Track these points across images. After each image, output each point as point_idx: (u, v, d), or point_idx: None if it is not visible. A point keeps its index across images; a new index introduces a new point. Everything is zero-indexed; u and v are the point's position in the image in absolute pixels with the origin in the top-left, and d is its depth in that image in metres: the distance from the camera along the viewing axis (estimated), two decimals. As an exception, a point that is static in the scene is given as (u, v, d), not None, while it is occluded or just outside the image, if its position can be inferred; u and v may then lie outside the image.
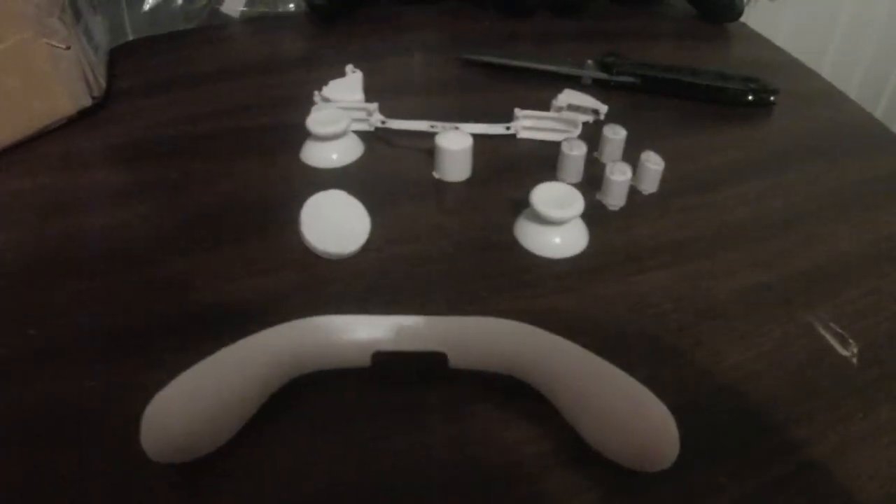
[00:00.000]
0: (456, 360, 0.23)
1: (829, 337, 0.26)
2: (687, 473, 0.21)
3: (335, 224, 0.29)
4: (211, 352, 0.22)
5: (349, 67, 0.40)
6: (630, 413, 0.21)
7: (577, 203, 0.29)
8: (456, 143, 0.33)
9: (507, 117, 0.37)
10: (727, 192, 0.34)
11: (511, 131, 0.36)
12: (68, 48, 0.36)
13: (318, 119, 0.34)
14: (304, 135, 0.34)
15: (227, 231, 0.30)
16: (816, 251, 0.31)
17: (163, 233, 0.30)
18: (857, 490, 0.21)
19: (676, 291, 0.28)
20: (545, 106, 0.38)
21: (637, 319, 0.27)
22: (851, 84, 0.86)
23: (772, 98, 0.41)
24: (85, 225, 0.31)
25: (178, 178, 0.33)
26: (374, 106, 0.36)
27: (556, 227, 0.29)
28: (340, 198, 0.30)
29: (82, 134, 0.37)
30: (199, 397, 0.21)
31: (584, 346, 0.23)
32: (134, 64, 0.43)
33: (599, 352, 0.23)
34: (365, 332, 0.23)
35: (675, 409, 0.21)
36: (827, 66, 0.82)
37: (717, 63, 0.45)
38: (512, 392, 0.23)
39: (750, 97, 0.41)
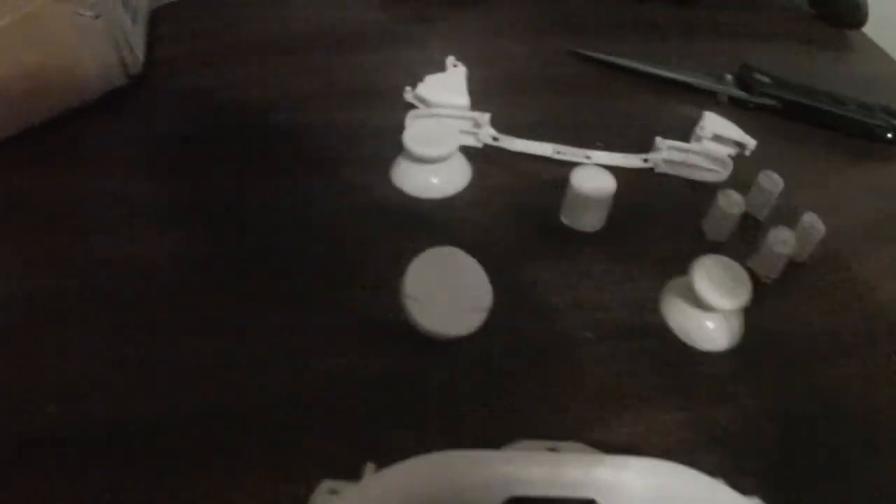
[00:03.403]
0: None
1: None
2: None
3: (450, 294, 0.23)
4: (263, 472, 0.17)
5: (450, 60, 0.32)
6: None
7: (745, 289, 0.23)
8: (595, 187, 0.26)
9: (636, 137, 0.31)
10: (879, 261, 0.28)
11: (649, 164, 0.30)
12: (97, 17, 0.28)
13: (418, 135, 0.27)
14: (394, 144, 0.27)
15: (292, 283, 0.23)
16: None
17: (200, 277, 0.23)
18: None
19: (836, 406, 0.23)
20: (677, 123, 0.32)
21: (796, 446, 0.21)
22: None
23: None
24: (103, 251, 0.24)
25: (228, 193, 0.26)
26: (484, 117, 0.29)
27: (715, 313, 0.24)
28: (455, 258, 0.23)
29: (118, 120, 0.30)
30: None
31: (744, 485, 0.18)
32: (178, 29, 0.35)
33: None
34: (496, 471, 0.18)
35: None
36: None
37: (838, 76, 0.39)
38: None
39: (890, 135, 0.35)
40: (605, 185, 0.26)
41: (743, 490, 0.17)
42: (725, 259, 0.24)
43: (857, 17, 0.46)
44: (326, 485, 0.17)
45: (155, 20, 0.35)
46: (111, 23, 0.29)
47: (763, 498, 0.18)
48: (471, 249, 0.24)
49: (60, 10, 0.27)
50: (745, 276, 0.24)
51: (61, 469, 0.18)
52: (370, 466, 0.17)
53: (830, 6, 0.46)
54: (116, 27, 0.29)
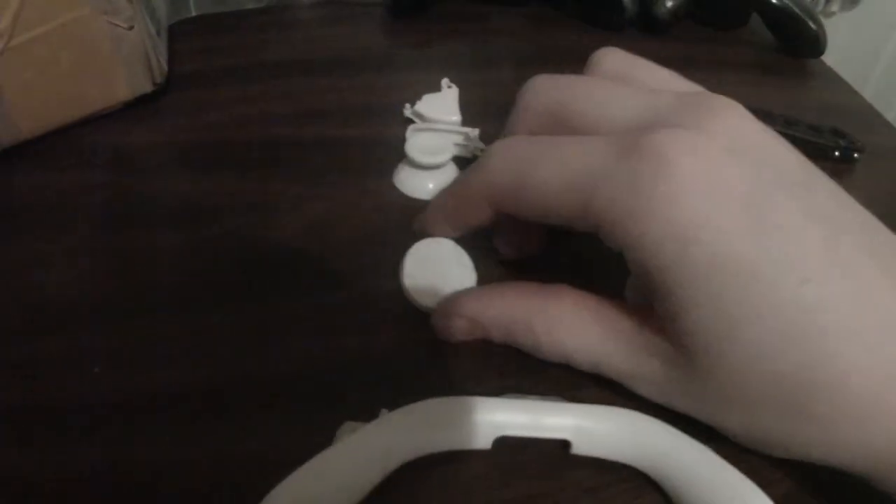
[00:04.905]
0: (579, 448, 0.22)
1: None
2: None
3: (440, 277, 0.26)
4: (297, 425, 0.20)
5: (445, 82, 0.36)
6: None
7: None
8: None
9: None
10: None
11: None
12: (131, 28, 0.31)
13: (419, 145, 0.30)
14: (396, 154, 0.31)
15: (304, 270, 0.27)
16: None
17: (240, 266, 0.26)
18: None
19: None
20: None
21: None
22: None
23: (856, 155, 0.39)
24: (146, 242, 0.27)
25: (258, 195, 0.30)
26: (474, 131, 0.33)
27: None
28: (447, 248, 0.27)
29: (139, 125, 0.33)
30: (315, 498, 0.18)
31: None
32: (196, 45, 0.38)
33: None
34: (489, 416, 0.21)
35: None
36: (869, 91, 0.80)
37: (796, 102, 0.43)
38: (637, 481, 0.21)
39: (836, 153, 0.39)
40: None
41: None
42: None
43: (816, 47, 0.51)
44: (348, 425, 0.20)
45: (173, 35, 0.39)
46: (142, 33, 0.32)
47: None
48: (457, 241, 0.28)
49: (98, 20, 0.30)
50: None
51: (101, 431, 0.21)
52: (384, 411, 0.20)
53: (792, 38, 0.51)
54: (146, 37, 0.32)
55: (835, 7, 0.67)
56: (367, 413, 0.20)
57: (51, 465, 0.20)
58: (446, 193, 0.26)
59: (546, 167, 0.20)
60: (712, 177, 0.17)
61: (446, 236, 0.26)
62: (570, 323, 0.21)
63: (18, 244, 0.26)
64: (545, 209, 0.21)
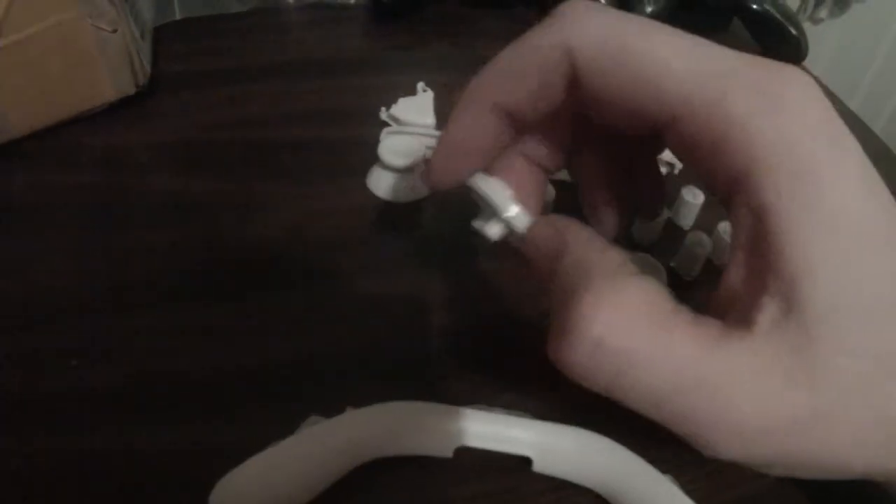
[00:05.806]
0: (540, 466, 0.22)
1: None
2: None
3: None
4: (279, 415, 0.20)
5: (420, 85, 0.37)
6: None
7: (661, 275, 0.28)
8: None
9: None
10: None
11: (589, 180, 0.34)
12: (115, 31, 0.32)
13: (391, 148, 0.31)
14: (371, 156, 0.32)
15: (302, 270, 0.27)
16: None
17: (226, 264, 0.27)
18: None
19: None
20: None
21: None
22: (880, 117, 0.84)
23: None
24: (134, 240, 0.28)
25: (243, 195, 0.30)
26: (447, 135, 0.34)
27: None
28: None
29: (126, 126, 0.34)
30: (269, 483, 0.19)
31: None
32: (180, 48, 0.39)
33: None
34: (452, 425, 0.22)
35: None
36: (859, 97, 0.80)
37: None
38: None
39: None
40: (545, 194, 0.31)
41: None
42: (646, 256, 0.29)
43: (798, 52, 0.51)
44: (312, 419, 0.21)
45: (158, 38, 0.39)
46: (125, 36, 0.33)
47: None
48: (431, 242, 0.28)
49: (83, 23, 0.31)
50: (660, 266, 0.28)
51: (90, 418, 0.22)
52: (349, 409, 0.21)
53: (773, 43, 0.51)
54: (129, 40, 0.33)
55: (823, 13, 0.68)
56: (344, 410, 0.21)
57: (49, 460, 0.20)
58: (493, 61, 0.19)
59: (664, 40, 0.16)
60: (841, 128, 0.16)
61: (468, 142, 0.21)
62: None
63: (8, 241, 0.27)
64: (656, 91, 0.16)
